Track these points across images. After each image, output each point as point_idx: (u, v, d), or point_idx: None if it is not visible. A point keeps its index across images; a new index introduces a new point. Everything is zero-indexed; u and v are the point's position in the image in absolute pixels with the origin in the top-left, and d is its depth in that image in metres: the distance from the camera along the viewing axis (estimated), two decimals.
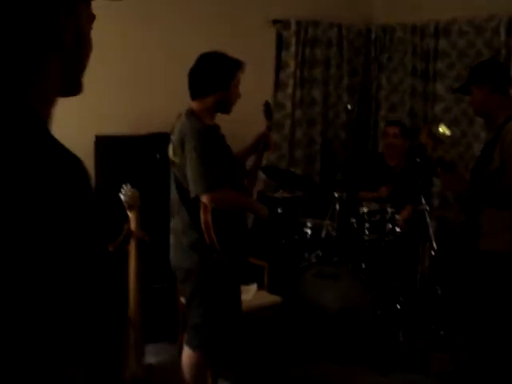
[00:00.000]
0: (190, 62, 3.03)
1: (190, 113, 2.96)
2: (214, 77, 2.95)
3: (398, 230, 4.21)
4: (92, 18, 1.04)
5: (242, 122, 3.87)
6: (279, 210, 4.49)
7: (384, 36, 5.38)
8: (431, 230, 3.92)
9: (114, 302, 0.94)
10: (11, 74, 0.95)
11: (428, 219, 3.94)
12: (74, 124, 3.57)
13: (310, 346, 4.05)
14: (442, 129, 3.42)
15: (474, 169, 3.34)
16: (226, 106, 3.03)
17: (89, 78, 1.08)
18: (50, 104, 1.00)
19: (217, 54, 2.98)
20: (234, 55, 3.04)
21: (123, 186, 2.57)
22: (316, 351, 4.01)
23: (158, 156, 4.03)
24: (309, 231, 4.43)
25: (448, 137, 3.50)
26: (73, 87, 1.05)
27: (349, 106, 5.20)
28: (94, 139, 4.02)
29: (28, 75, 0.96)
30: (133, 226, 2.20)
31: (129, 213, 2.19)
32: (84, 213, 0.90)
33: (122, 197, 2.47)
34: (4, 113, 0.90)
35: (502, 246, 3.03)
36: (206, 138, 2.89)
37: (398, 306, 4.21)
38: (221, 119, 3.12)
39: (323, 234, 4.21)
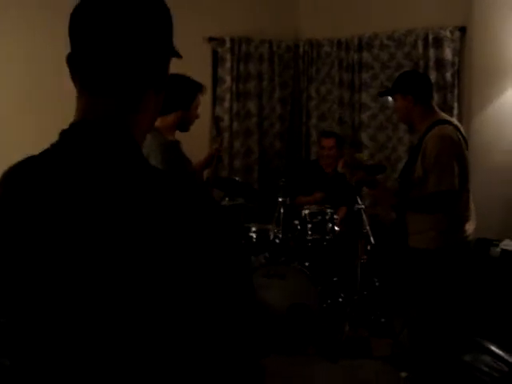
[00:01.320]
0: None
1: (154, 129, 3.16)
2: (176, 96, 3.14)
3: (337, 229, 4.56)
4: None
5: (183, 137, 4.09)
6: None
7: (311, 50, 5.71)
8: (368, 227, 4.29)
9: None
10: (122, 107, 1.06)
11: (364, 217, 4.31)
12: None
13: (263, 341, 4.31)
14: (358, 156, 3.76)
15: (400, 176, 3.48)
16: (185, 125, 3.24)
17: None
18: (145, 128, 1.14)
19: (180, 76, 3.17)
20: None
21: None
22: (269, 345, 4.29)
23: None
24: (254, 235, 4.69)
25: (366, 160, 3.78)
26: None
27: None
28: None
29: (135, 108, 1.08)
30: None
31: None
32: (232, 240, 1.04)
33: None
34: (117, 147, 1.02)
35: (428, 244, 3.24)
36: (170, 152, 3.08)
37: (342, 299, 4.57)
38: None
39: (271, 236, 4.47)
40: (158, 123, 3.16)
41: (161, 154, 3.03)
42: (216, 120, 3.66)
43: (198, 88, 3.22)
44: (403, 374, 3.73)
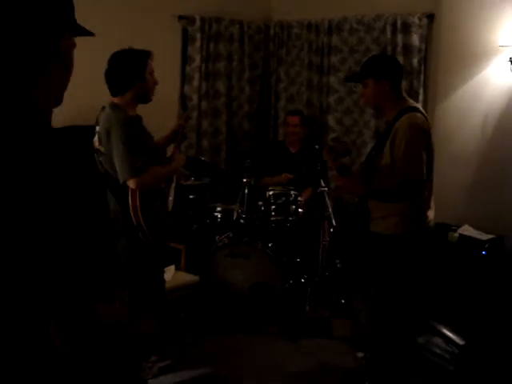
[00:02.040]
0: (101, 55, 3.21)
1: (114, 105, 3.16)
2: (128, 72, 3.15)
3: (300, 210, 4.61)
4: (73, 45, 1.38)
5: (152, 113, 4.08)
6: (191, 197, 4.74)
7: (282, 32, 5.73)
8: (330, 210, 4.34)
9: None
10: (20, 75, 1.25)
11: (327, 200, 4.36)
12: None
13: (226, 320, 4.37)
14: (341, 143, 3.75)
15: (365, 162, 3.42)
16: (145, 96, 3.25)
17: None
18: (50, 105, 1.32)
19: (125, 51, 3.18)
20: (141, 48, 3.23)
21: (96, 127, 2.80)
22: (231, 324, 4.34)
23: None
24: (219, 215, 4.73)
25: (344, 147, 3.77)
26: (57, 99, 1.37)
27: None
28: None
29: (32, 75, 1.26)
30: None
31: None
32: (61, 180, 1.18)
33: (94, 139, 2.68)
34: (11, 104, 1.17)
35: (391, 229, 3.25)
36: (130, 127, 3.11)
37: (303, 280, 4.63)
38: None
39: (234, 216, 4.51)
40: (118, 101, 3.18)
41: (120, 129, 3.07)
42: (182, 97, 3.66)
43: (146, 55, 3.22)
44: (359, 354, 3.81)
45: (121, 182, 3.09)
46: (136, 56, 3.20)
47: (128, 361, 1.27)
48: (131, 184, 3.07)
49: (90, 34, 1.41)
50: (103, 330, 1.16)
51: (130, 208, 3.12)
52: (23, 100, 1.23)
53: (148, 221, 3.16)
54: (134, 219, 3.12)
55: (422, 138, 3.13)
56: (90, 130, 3.34)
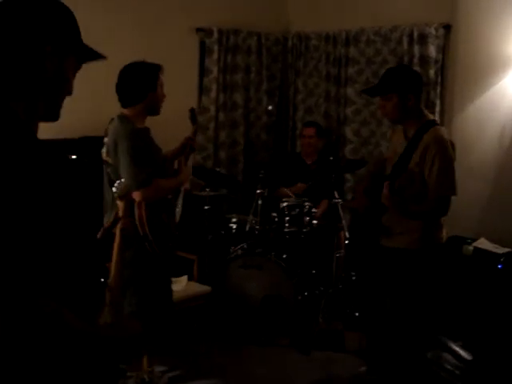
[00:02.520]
0: (117, 68, 3.25)
1: (123, 117, 3.19)
2: (140, 84, 3.19)
3: (314, 222, 4.59)
4: (77, 68, 1.40)
5: (169, 126, 4.12)
6: (206, 208, 4.76)
7: (300, 44, 5.75)
8: (344, 222, 4.32)
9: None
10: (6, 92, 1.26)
11: (341, 211, 4.34)
12: None
13: (238, 331, 4.36)
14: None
15: (391, 176, 3.27)
16: (154, 108, 3.28)
17: None
18: (33, 118, 1.32)
19: (137, 63, 3.22)
20: (161, 62, 3.29)
21: (117, 181, 2.82)
22: (243, 335, 4.34)
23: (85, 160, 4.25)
24: (234, 226, 4.73)
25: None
26: (51, 114, 1.38)
27: (269, 107, 5.52)
28: None
29: (13, 88, 1.27)
30: (120, 212, 2.46)
31: (118, 202, 2.46)
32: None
33: (114, 189, 2.71)
34: None
35: (407, 243, 3.22)
36: (137, 139, 3.14)
37: (317, 292, 4.60)
38: (150, 122, 3.34)
39: (247, 227, 4.52)
40: (128, 112, 3.22)
41: (128, 140, 3.10)
42: (191, 110, 3.68)
43: (157, 68, 3.25)
44: (363, 369, 3.77)
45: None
46: (148, 68, 3.24)
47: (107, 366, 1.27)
48: (136, 196, 3.09)
49: (101, 57, 1.43)
50: (57, 330, 1.15)
51: (137, 219, 3.14)
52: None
53: (154, 232, 3.17)
54: (140, 230, 3.14)
55: (451, 153, 3.13)
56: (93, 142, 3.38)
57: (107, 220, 3.30)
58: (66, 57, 1.34)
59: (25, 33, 1.27)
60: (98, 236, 2.04)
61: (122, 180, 2.63)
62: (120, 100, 3.25)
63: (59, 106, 1.39)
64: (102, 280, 1.64)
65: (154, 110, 3.30)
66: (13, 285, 1.10)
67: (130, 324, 1.48)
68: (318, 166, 5.13)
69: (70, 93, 1.39)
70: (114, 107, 3.28)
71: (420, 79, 3.31)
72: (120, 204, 2.53)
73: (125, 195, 2.42)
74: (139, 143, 3.13)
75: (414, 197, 3.16)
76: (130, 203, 2.30)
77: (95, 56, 1.42)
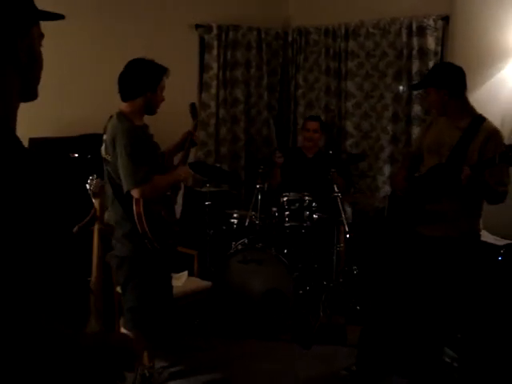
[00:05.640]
0: (117, 66, 3.26)
1: (121, 114, 3.20)
2: (143, 80, 3.19)
3: (314, 216, 4.58)
4: (41, 36, 1.32)
5: (170, 121, 4.13)
6: (207, 203, 4.77)
7: (300, 38, 5.74)
8: (343, 215, 4.31)
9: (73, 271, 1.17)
10: None
11: (340, 205, 4.33)
12: None
13: (239, 326, 4.38)
14: None
15: (446, 164, 3.40)
16: (151, 108, 3.29)
17: None
18: (12, 108, 1.26)
19: (145, 60, 3.23)
20: (160, 59, 3.29)
21: (90, 177, 2.82)
22: (244, 330, 4.35)
23: (89, 156, 4.28)
24: (235, 221, 4.74)
25: None
26: (30, 94, 1.32)
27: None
28: (28, 142, 4.21)
29: None
30: (97, 212, 2.47)
31: (94, 200, 2.45)
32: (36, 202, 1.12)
33: (87, 186, 2.72)
34: None
35: (460, 231, 3.36)
36: (135, 137, 3.14)
37: (318, 286, 4.60)
38: (151, 118, 3.36)
39: (246, 222, 4.52)
40: (125, 108, 3.23)
41: (125, 138, 3.10)
42: (192, 105, 3.69)
43: (163, 71, 3.25)
44: (343, 373, 3.76)
45: (124, 191, 3.13)
46: (154, 67, 3.24)
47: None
48: (134, 194, 3.11)
49: (58, 17, 1.34)
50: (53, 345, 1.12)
51: (135, 216, 3.15)
52: None
53: (153, 229, 3.18)
54: (139, 227, 3.16)
55: None
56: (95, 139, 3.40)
57: (107, 217, 3.32)
58: (32, 35, 1.28)
59: None
60: (74, 231, 2.02)
61: (95, 176, 2.62)
62: (120, 92, 3.24)
63: (37, 83, 1.33)
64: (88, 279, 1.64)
65: (151, 110, 3.31)
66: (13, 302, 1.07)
67: (119, 337, 1.41)
68: (318, 159, 5.11)
69: (41, 66, 1.33)
70: (114, 105, 3.29)
71: (458, 74, 3.39)
72: (95, 202, 2.54)
73: (99, 192, 2.41)
74: (137, 141, 3.14)
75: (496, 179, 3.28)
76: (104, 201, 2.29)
77: (48, 16, 1.33)
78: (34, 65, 1.30)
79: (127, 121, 3.18)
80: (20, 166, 1.12)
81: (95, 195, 2.51)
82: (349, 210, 4.84)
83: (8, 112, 1.24)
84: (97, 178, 2.75)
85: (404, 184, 3.59)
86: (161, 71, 3.25)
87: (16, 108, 1.27)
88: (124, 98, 3.24)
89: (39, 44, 1.31)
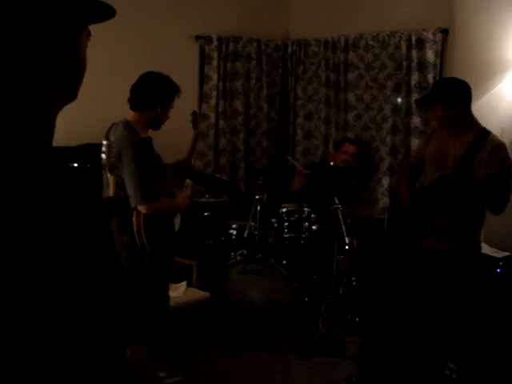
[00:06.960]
0: (117, 76, 3.27)
1: (127, 124, 3.18)
2: (158, 93, 3.19)
3: (314, 227, 4.58)
4: (89, 35, 1.13)
5: (169, 132, 4.13)
6: (206, 214, 4.76)
7: (299, 50, 5.76)
8: (343, 227, 4.31)
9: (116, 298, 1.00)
10: (21, 110, 1.02)
11: (340, 217, 4.33)
12: None
13: (238, 337, 4.36)
14: None
15: (452, 175, 3.44)
16: (157, 123, 3.28)
17: None
18: (53, 125, 1.11)
19: (163, 75, 3.23)
20: (160, 69, 3.28)
21: (103, 142, 2.82)
22: (243, 341, 4.33)
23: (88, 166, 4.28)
24: (234, 232, 4.74)
25: None
26: (71, 99, 1.15)
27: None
28: None
29: (36, 109, 1.04)
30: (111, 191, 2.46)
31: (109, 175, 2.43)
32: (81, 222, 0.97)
33: (102, 155, 2.72)
34: (18, 146, 0.95)
35: (463, 244, 3.44)
36: (143, 151, 3.15)
37: (317, 298, 4.59)
38: (151, 131, 3.34)
39: (246, 233, 4.52)
40: (133, 118, 3.21)
41: (132, 151, 3.09)
42: (193, 114, 3.70)
43: (176, 90, 3.26)
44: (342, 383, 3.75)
45: (132, 206, 3.11)
46: (170, 84, 3.24)
47: None
48: (142, 209, 3.10)
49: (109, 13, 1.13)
50: None
51: (134, 228, 3.14)
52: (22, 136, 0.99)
53: (152, 242, 3.17)
54: (137, 239, 3.14)
55: None
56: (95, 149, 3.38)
57: None
58: (81, 39, 1.10)
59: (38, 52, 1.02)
60: None
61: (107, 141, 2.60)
62: (131, 100, 3.23)
63: (79, 88, 1.15)
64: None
65: (156, 125, 3.30)
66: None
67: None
68: (315, 172, 5.08)
69: (85, 68, 1.14)
70: (113, 114, 3.29)
71: (464, 90, 3.41)
72: (111, 180, 2.51)
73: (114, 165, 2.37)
74: (144, 155, 3.14)
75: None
76: None
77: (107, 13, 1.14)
78: (80, 72, 1.12)
79: (134, 132, 3.16)
80: (64, 184, 0.99)
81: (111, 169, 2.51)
82: (348, 221, 4.83)
83: (50, 130, 1.10)
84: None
85: (411, 201, 3.60)
86: (175, 90, 3.25)
87: (55, 121, 1.12)
88: (134, 107, 3.22)
89: (86, 46, 1.12)
